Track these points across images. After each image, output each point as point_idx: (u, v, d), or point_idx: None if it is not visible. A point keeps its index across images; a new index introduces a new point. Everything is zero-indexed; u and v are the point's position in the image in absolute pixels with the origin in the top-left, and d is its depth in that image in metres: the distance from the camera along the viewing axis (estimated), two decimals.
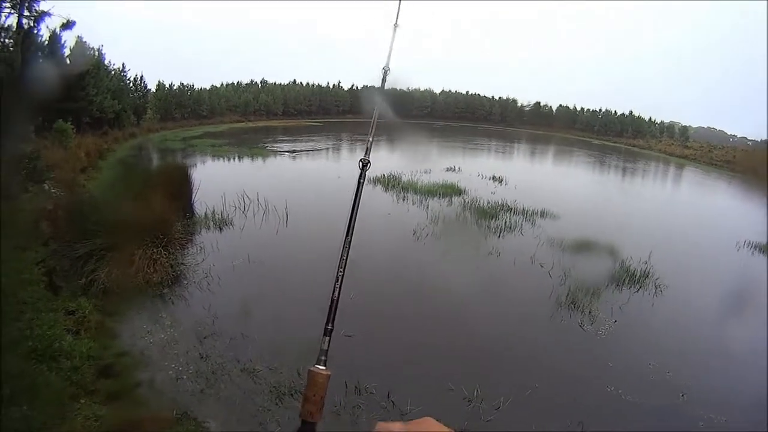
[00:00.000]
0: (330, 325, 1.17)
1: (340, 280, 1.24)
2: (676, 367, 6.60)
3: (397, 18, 1.63)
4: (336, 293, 1.21)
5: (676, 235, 14.27)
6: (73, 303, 6.94)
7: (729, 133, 57.77)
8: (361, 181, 1.44)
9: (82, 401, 4.90)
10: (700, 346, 7.47)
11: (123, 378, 5.48)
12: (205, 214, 11.55)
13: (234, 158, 23.96)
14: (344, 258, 1.30)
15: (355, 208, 1.37)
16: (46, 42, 21.99)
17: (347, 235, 1.36)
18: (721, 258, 12.50)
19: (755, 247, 13.34)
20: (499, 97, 68.24)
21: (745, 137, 51.47)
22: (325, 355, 1.09)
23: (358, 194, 1.37)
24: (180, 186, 11.51)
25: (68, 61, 23.70)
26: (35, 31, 20.70)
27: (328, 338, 1.13)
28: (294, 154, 27.00)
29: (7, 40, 18.12)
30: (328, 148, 31.43)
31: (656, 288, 9.54)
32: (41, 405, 4.66)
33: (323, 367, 1.06)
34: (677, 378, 6.34)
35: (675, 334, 7.90)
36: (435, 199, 15.92)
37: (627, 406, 5.76)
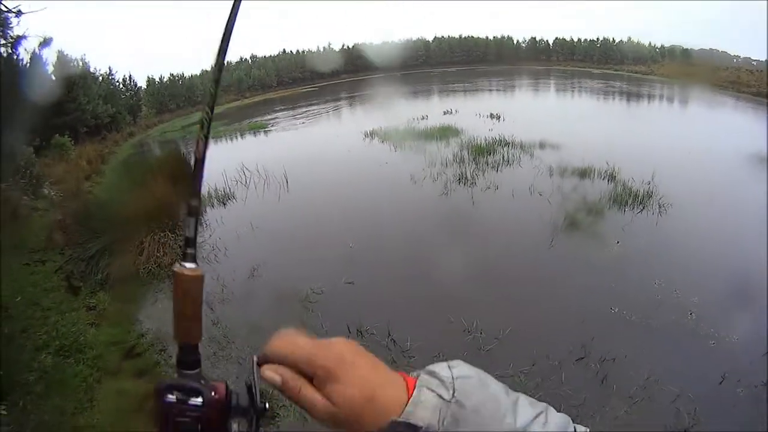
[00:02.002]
0: (195, 200, 0.74)
1: (205, 127, 0.87)
2: (682, 285, 6.36)
3: None
4: (200, 147, 0.75)
5: (680, 153, 13.75)
6: (93, 299, 7.32)
7: (732, 54, 54.93)
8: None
9: (108, 383, 5.21)
10: (707, 264, 7.14)
11: (144, 356, 5.77)
12: (208, 192, 11.62)
13: (235, 136, 23.97)
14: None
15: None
16: (28, 64, 22.08)
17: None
18: (726, 173, 11.87)
19: (760, 159, 12.72)
20: (494, 37, 66.36)
21: (749, 57, 49.14)
22: (193, 248, 0.71)
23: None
24: (179, 170, 11.63)
25: (53, 77, 23.81)
26: (15, 56, 20.77)
27: (193, 220, 0.73)
28: (293, 122, 26.90)
29: None
30: (327, 112, 31.09)
31: (660, 207, 9.24)
32: (71, 394, 5.00)
33: (193, 266, 0.70)
34: (684, 296, 6.12)
35: (681, 253, 7.55)
36: (432, 142, 15.70)
37: (632, 326, 5.64)
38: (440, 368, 0.68)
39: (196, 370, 0.71)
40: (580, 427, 0.71)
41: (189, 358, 0.71)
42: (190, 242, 0.72)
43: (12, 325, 5.96)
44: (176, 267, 0.70)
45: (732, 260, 7.05)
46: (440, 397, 0.65)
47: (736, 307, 5.75)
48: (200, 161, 0.76)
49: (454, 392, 0.65)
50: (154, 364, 5.61)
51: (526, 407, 0.68)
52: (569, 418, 0.70)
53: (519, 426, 0.65)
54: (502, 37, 66.20)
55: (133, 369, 5.53)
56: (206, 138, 0.84)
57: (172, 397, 0.66)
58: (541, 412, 0.68)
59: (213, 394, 0.66)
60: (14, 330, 5.90)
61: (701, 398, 4.46)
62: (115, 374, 5.42)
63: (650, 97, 34.83)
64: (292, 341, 0.68)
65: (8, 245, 8.82)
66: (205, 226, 9.83)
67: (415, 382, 0.67)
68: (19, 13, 12.14)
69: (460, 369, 0.69)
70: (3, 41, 19.14)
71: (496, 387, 0.68)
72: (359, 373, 0.67)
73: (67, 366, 5.47)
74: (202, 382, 0.69)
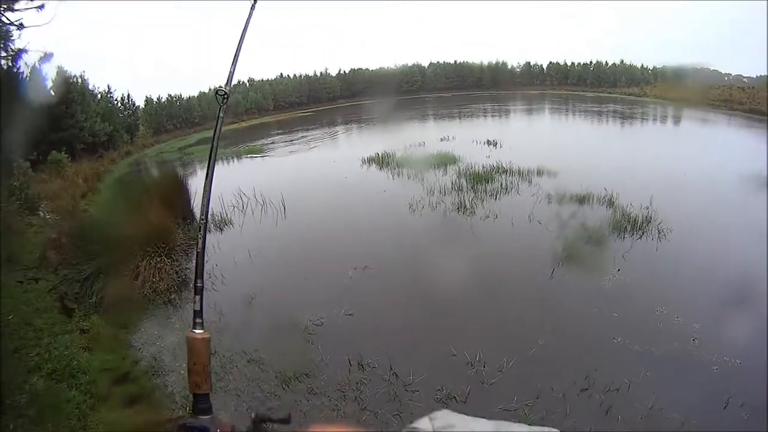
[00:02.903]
0: (200, 281, 1.04)
1: (202, 229, 1.16)
2: (684, 312, 6.39)
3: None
4: (200, 244, 1.12)
5: (677, 176, 13.80)
6: (86, 322, 7.18)
7: (723, 72, 55.92)
8: (220, 115, 1.33)
9: (102, 411, 5.08)
10: (708, 289, 7.16)
11: (138, 384, 5.64)
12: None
13: (232, 160, 23.96)
14: (205, 203, 1.20)
15: (214, 144, 1.31)
16: (27, 78, 22.11)
17: (207, 177, 1.27)
18: (725, 195, 12.01)
19: (759, 180, 12.76)
20: (489, 62, 67.07)
21: (740, 75, 50.09)
22: (201, 317, 0.98)
23: (218, 128, 1.29)
24: (176, 194, 11.60)
25: (52, 93, 23.82)
26: (15, 70, 20.81)
27: (199, 297, 1.00)
28: (289, 147, 26.97)
29: None
30: (323, 137, 31.19)
31: (659, 233, 9.30)
32: (64, 419, 4.86)
33: (201, 331, 0.97)
34: (686, 323, 6.16)
35: (682, 279, 7.61)
36: (430, 170, 15.71)
37: (635, 355, 5.63)
38: (422, 423, 0.71)
39: (209, 416, 0.87)
40: None
41: (202, 406, 0.89)
42: (198, 314, 0.96)
43: (4, 345, 5.81)
44: (188, 333, 0.93)
45: (732, 284, 7.01)
46: None
47: (738, 332, 5.70)
48: (201, 252, 1.07)
49: None
50: (149, 390, 5.49)
51: None
52: None
53: None
54: (497, 63, 66.91)
55: (126, 396, 5.42)
56: (204, 237, 1.15)
57: None
58: None
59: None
60: (7, 349, 5.75)
61: (706, 424, 4.48)
62: (108, 401, 5.30)
63: (644, 118, 35.27)
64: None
65: (3, 259, 8.70)
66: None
67: None
68: (21, 27, 12.18)
69: (442, 420, 0.71)
70: (4, 53, 19.25)
71: (481, 429, 0.70)
72: None
73: (60, 390, 5.34)
74: (213, 425, 0.83)
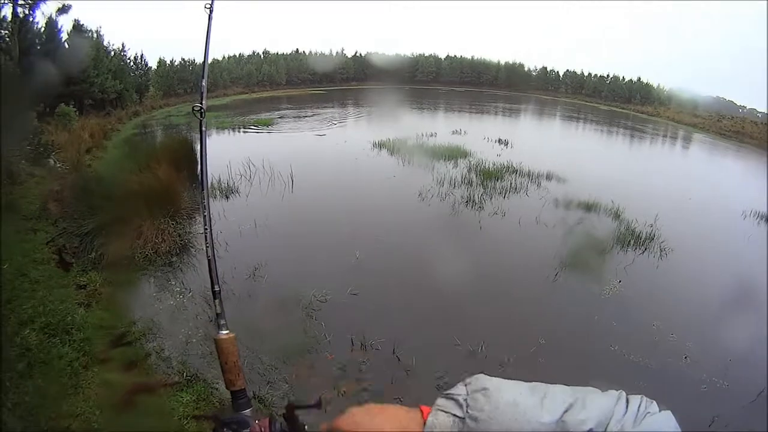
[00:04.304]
0: (216, 286, 1.13)
1: (209, 238, 1.20)
2: (679, 330, 6.51)
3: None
4: (210, 252, 1.16)
5: (683, 200, 14.07)
6: (84, 277, 6.97)
7: (738, 104, 55.92)
8: (203, 129, 1.35)
9: (95, 369, 4.96)
10: (704, 311, 7.31)
11: (134, 345, 5.53)
12: (211, 183, 11.49)
13: (239, 129, 23.78)
14: (206, 215, 1.22)
15: (204, 160, 1.32)
16: (43, 29, 21.88)
17: (202, 189, 1.28)
18: (727, 226, 12.24)
19: (761, 216, 12.99)
20: (506, 62, 66.73)
21: (755, 109, 50.25)
22: (224, 318, 1.06)
23: (203, 144, 1.32)
24: (184, 157, 11.47)
25: (66, 46, 23.59)
26: (31, 19, 20.59)
27: (218, 300, 1.10)
28: (299, 123, 26.79)
29: (3, 31, 18.08)
30: (334, 116, 30.97)
31: (661, 251, 9.36)
32: (55, 376, 4.74)
33: (226, 332, 1.05)
34: (681, 341, 6.26)
35: (679, 298, 7.74)
36: (441, 161, 15.71)
37: (631, 365, 5.68)
38: (456, 389, 0.74)
39: (249, 410, 0.93)
40: (635, 397, 0.73)
41: (240, 401, 0.95)
42: (220, 315, 1.04)
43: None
44: (215, 335, 1.01)
45: (727, 310, 7.08)
46: (454, 416, 0.70)
47: (728, 355, 5.85)
48: (213, 259, 1.16)
49: (467, 408, 0.69)
50: (144, 355, 5.37)
51: (558, 400, 0.70)
52: (619, 394, 0.74)
53: (547, 421, 0.66)
54: (514, 63, 66.63)
55: (121, 358, 5.29)
56: (212, 245, 1.21)
57: (226, 430, 0.83)
58: (576, 400, 0.70)
59: (258, 426, 0.81)
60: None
61: None
62: (103, 362, 5.17)
63: (655, 138, 35.40)
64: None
65: (3, 206, 8.57)
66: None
67: (430, 410, 0.72)
68: None
69: (476, 383, 0.74)
70: (22, 2, 19.05)
71: (516, 390, 0.72)
72: (372, 426, 0.73)
73: (53, 346, 5.18)
74: (252, 418, 0.86)
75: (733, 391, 5.34)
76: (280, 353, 5.32)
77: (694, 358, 5.91)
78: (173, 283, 7.06)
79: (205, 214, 1.21)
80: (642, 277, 8.26)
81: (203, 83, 1.41)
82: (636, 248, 9.44)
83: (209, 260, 1.14)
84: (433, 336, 5.89)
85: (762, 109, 48.23)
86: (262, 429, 0.81)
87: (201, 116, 1.31)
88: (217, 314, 1.05)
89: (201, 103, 1.32)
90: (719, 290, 8.04)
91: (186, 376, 4.83)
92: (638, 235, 9.88)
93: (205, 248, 1.13)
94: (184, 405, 4.43)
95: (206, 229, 1.17)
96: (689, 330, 6.55)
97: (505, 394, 0.70)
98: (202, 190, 1.27)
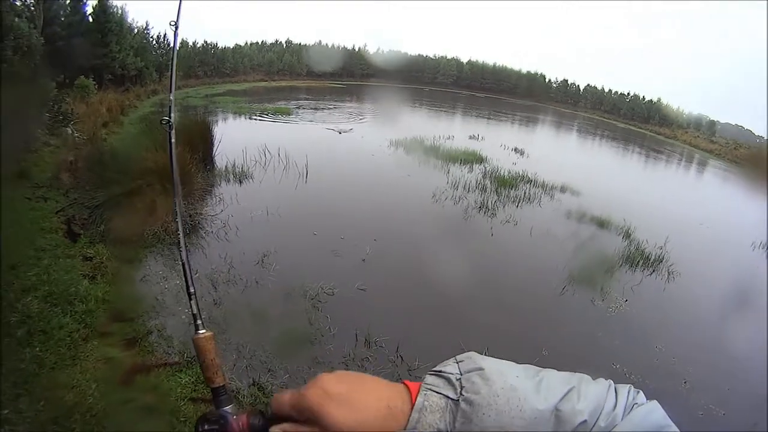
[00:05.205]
0: (192, 288, 1.13)
1: (182, 241, 1.22)
2: (681, 354, 6.47)
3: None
4: (183, 255, 1.18)
5: (695, 225, 14.03)
6: (91, 249, 6.90)
7: (756, 134, 55.53)
8: (172, 141, 1.30)
9: (95, 343, 4.91)
10: (707, 338, 7.26)
11: (136, 322, 5.48)
12: (226, 167, 11.50)
13: (256, 115, 23.77)
14: (177, 220, 1.24)
15: (173, 171, 1.27)
16: (68, 0, 22.01)
17: (175, 196, 1.28)
18: (735, 255, 12.09)
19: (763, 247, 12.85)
20: (527, 71, 66.57)
21: None
22: (199, 318, 1.06)
23: (171, 156, 1.25)
24: (201, 139, 11.47)
25: (90, 19, 23.72)
26: None
27: (193, 302, 1.10)
28: (318, 114, 26.78)
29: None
30: (353, 111, 30.93)
31: (669, 274, 9.26)
32: (54, 346, 4.69)
33: (203, 331, 1.02)
34: (681, 365, 6.22)
35: (683, 322, 7.71)
36: (456, 165, 15.68)
37: (633, 385, 5.63)
38: (447, 366, 0.68)
39: (229, 406, 0.90)
40: (623, 387, 0.70)
41: (220, 398, 0.93)
42: (197, 316, 1.03)
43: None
44: (194, 335, 0.99)
45: (729, 340, 7.04)
46: (447, 397, 0.64)
47: (727, 385, 5.90)
48: (187, 263, 1.15)
49: (461, 390, 0.63)
50: (145, 332, 5.32)
51: (553, 386, 0.65)
52: (609, 384, 0.69)
53: (545, 407, 0.62)
54: (535, 73, 66.46)
55: (122, 334, 5.24)
56: (186, 250, 1.20)
57: (205, 427, 0.83)
58: (573, 387, 0.65)
59: (236, 421, 0.80)
60: (1, 264, 5.58)
61: None
62: (103, 336, 5.13)
63: (670, 161, 35.31)
64: (277, 397, 0.72)
65: (14, 173, 8.54)
66: (218, 200, 9.62)
67: (419, 387, 0.66)
68: None
69: (469, 362, 0.67)
70: None
71: (512, 373, 0.66)
72: (350, 401, 0.66)
73: (54, 315, 5.12)
74: (231, 413, 0.87)
75: (729, 420, 5.33)
76: (282, 341, 5.27)
77: (694, 383, 5.88)
78: (180, 262, 7.01)
79: (177, 220, 1.23)
80: (648, 298, 8.19)
81: (171, 97, 1.38)
82: (644, 269, 9.36)
83: (183, 264, 1.14)
84: (437, 338, 5.81)
85: None
86: (240, 424, 0.79)
87: (169, 128, 1.28)
88: (193, 315, 1.04)
89: (169, 117, 1.28)
90: (723, 319, 7.99)
91: (186, 357, 4.76)
92: (647, 256, 9.81)
93: (178, 252, 1.15)
94: (182, 386, 4.37)
95: (180, 233, 1.20)
96: (691, 355, 6.51)
97: (504, 377, 0.65)
98: (175, 197, 1.27)
